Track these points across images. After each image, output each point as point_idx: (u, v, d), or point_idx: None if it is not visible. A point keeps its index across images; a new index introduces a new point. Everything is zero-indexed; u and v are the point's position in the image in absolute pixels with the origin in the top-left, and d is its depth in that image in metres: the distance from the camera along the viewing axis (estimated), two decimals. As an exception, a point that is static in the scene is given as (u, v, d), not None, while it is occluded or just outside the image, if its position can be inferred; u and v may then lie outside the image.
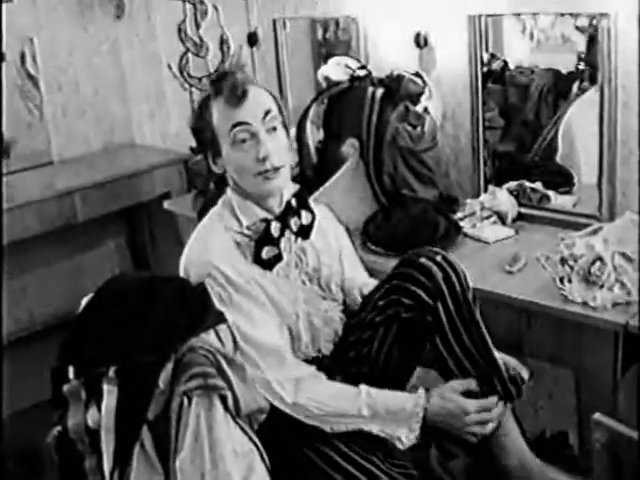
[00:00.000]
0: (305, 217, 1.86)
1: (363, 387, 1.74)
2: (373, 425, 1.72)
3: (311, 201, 1.93)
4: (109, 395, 1.55)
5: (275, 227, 1.79)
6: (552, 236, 2.35)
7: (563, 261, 2.08)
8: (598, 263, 2.00)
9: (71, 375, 1.60)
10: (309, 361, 1.84)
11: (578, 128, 2.44)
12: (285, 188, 1.83)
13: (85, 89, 3.80)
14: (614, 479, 1.57)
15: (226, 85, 1.72)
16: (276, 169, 1.74)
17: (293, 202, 1.84)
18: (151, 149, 3.94)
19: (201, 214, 2.95)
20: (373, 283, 2.00)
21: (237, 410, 1.54)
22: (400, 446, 1.71)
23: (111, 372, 1.56)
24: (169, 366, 1.53)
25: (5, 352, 2.69)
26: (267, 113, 1.74)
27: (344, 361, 1.85)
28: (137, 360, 1.55)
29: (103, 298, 1.70)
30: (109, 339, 1.61)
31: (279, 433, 1.70)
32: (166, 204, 3.32)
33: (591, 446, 1.67)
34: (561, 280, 2.04)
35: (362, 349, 1.84)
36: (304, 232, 1.87)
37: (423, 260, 1.80)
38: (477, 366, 1.77)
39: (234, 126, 1.72)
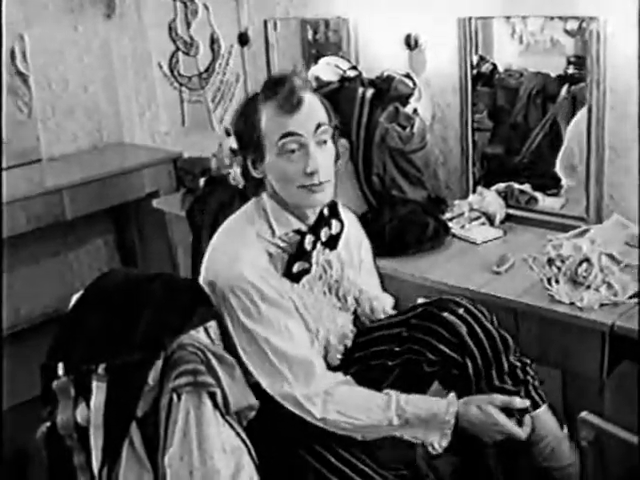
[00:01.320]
0: (335, 227, 1.79)
1: (392, 395, 1.69)
2: (405, 432, 1.69)
3: (340, 208, 1.84)
4: (98, 392, 1.54)
5: (309, 241, 1.73)
6: (540, 237, 2.38)
7: (550, 262, 2.09)
8: (585, 264, 2.02)
9: (60, 372, 1.59)
10: None
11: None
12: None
13: (75, 87, 3.77)
14: (601, 477, 1.58)
15: (282, 90, 1.62)
16: (321, 183, 1.66)
17: (326, 212, 1.76)
18: (140, 148, 3.92)
19: (190, 212, 2.98)
20: (385, 297, 2.00)
21: (226, 407, 1.53)
22: (432, 452, 1.68)
23: (100, 369, 1.55)
24: (158, 363, 1.52)
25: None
26: (319, 126, 1.65)
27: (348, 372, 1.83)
28: (126, 357, 1.54)
29: (92, 295, 1.69)
30: (98, 336, 1.60)
31: (271, 432, 1.69)
32: (155, 202, 3.31)
33: (578, 444, 1.69)
34: (548, 281, 2.05)
35: (369, 373, 1.82)
36: (332, 242, 1.80)
37: (446, 315, 1.78)
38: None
39: (285, 135, 1.62)
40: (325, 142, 1.67)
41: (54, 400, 1.58)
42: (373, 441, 1.72)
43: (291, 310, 1.71)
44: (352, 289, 1.90)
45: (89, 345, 1.60)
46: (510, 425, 1.67)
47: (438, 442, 1.67)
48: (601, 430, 1.51)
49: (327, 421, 1.67)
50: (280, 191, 1.70)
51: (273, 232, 1.73)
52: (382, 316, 1.96)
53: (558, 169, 2.57)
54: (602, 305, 1.95)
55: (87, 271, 3.87)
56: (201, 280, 1.75)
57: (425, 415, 1.67)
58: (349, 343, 1.89)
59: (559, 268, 2.06)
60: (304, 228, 1.74)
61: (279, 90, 1.62)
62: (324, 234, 1.77)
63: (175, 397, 1.50)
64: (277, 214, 1.73)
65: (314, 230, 1.75)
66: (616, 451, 1.55)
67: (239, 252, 1.68)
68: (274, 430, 1.70)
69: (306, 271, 1.74)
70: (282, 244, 1.73)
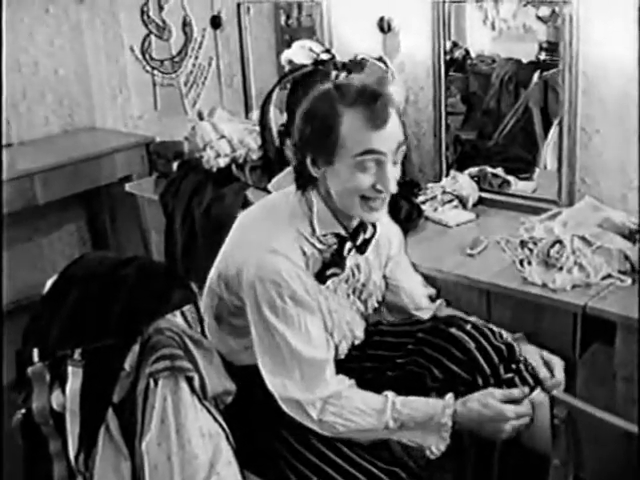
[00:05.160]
0: (369, 231, 1.73)
1: (389, 397, 1.64)
2: (402, 435, 1.64)
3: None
4: (74, 377, 1.50)
5: (348, 247, 1.68)
6: (512, 220, 2.38)
7: (523, 244, 2.09)
8: (557, 246, 2.02)
9: (35, 358, 1.55)
10: None
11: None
12: None
13: (46, 70, 3.70)
14: (573, 454, 1.58)
15: (375, 104, 1.52)
16: (384, 199, 1.61)
17: None
18: (112, 132, 3.86)
19: (163, 196, 2.94)
20: (419, 293, 1.98)
21: (204, 392, 1.50)
22: (430, 455, 1.64)
23: (76, 354, 1.51)
24: (135, 348, 1.49)
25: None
26: (400, 145, 1.56)
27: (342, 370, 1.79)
28: (102, 342, 1.51)
29: (67, 280, 1.65)
30: (74, 321, 1.56)
31: (248, 416, 1.67)
32: (127, 186, 3.26)
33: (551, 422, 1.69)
34: (521, 262, 2.06)
35: (365, 375, 1.79)
36: (363, 246, 1.74)
37: (453, 331, 1.76)
38: None
39: (367, 152, 1.53)
40: (397, 162, 1.60)
41: (29, 386, 1.55)
42: None
43: (315, 310, 1.66)
44: (377, 292, 1.87)
45: (64, 330, 1.56)
46: (520, 409, 1.62)
47: (436, 445, 1.62)
48: (573, 408, 1.51)
49: (323, 423, 1.63)
50: (338, 198, 1.62)
51: (313, 231, 1.66)
52: (415, 313, 1.95)
53: (548, 155, 2.58)
54: (574, 286, 1.95)
55: (59, 256, 3.82)
56: (222, 256, 1.70)
57: (421, 418, 1.62)
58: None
59: (531, 250, 2.06)
60: (344, 233, 1.68)
61: (371, 102, 1.52)
62: (360, 239, 1.72)
63: (152, 382, 1.47)
64: (323, 215, 1.66)
65: (353, 236, 1.70)
66: (588, 428, 1.55)
67: (277, 244, 1.61)
68: (251, 415, 1.68)
69: (336, 275, 1.70)
70: (319, 245, 1.67)
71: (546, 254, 2.02)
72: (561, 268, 1.99)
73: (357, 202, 1.59)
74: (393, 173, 1.58)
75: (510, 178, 2.58)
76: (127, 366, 1.49)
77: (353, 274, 1.77)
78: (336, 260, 1.68)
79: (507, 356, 1.76)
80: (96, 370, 1.50)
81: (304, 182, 1.66)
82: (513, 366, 1.76)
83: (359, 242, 1.72)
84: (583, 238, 2.03)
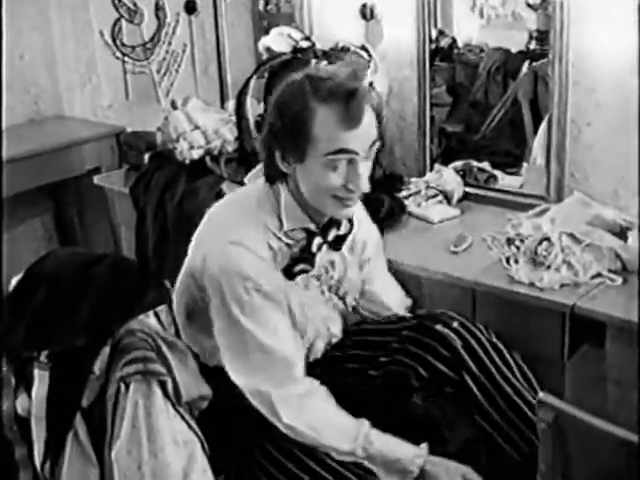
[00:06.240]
0: (344, 227, 1.74)
1: (365, 427, 1.65)
2: (367, 462, 1.66)
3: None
4: (40, 381, 1.50)
5: (317, 243, 1.68)
6: (499, 216, 2.39)
7: (510, 241, 2.10)
8: (545, 243, 2.03)
9: (-1, 360, 1.54)
10: None
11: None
12: None
13: (10, 55, 3.63)
14: (560, 459, 1.59)
15: (349, 104, 1.51)
16: (357, 198, 1.63)
17: None
18: (81, 121, 3.82)
19: (134, 190, 2.92)
20: (394, 296, 2.00)
21: (177, 397, 1.50)
22: None
23: (42, 356, 1.51)
24: (105, 350, 1.49)
25: None
26: (374, 143, 1.58)
27: (324, 370, 1.81)
28: (70, 343, 1.50)
29: (34, 277, 1.63)
30: (40, 321, 1.54)
31: (223, 424, 1.67)
32: (96, 179, 3.24)
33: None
34: (507, 260, 2.06)
35: (347, 377, 1.80)
36: (337, 243, 1.75)
37: (439, 328, 1.76)
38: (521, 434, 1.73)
39: (338, 151, 1.54)
40: (369, 157, 1.60)
41: (-8, 390, 1.54)
42: None
43: (282, 305, 1.67)
44: (353, 290, 1.87)
45: (30, 331, 1.55)
46: None
47: None
48: (560, 412, 1.51)
49: (293, 429, 1.64)
50: (309, 196, 1.63)
51: (281, 225, 1.67)
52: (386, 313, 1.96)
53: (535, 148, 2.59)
54: (562, 286, 1.96)
55: (24, 253, 3.76)
56: (191, 247, 1.70)
57: (390, 457, 1.64)
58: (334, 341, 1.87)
59: (518, 248, 2.07)
60: (313, 228, 1.69)
61: (345, 100, 1.52)
62: (331, 235, 1.73)
63: (123, 386, 1.47)
64: (290, 210, 1.67)
65: (323, 231, 1.70)
66: (575, 434, 1.56)
67: (242, 237, 1.62)
68: (227, 420, 1.67)
69: (305, 272, 1.70)
70: (286, 239, 1.67)
71: (533, 252, 2.03)
72: (549, 266, 1.99)
73: (328, 201, 1.61)
74: (365, 171, 1.59)
75: (497, 173, 2.58)
76: (97, 369, 1.49)
77: (326, 271, 1.78)
78: (305, 256, 1.68)
79: (496, 355, 1.76)
80: (64, 373, 1.49)
81: (273, 176, 1.67)
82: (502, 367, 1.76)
83: (331, 238, 1.72)
84: (572, 235, 2.04)
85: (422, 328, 1.80)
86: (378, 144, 1.60)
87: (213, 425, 1.62)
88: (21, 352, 1.54)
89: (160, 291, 1.62)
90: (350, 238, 1.78)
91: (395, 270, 2.12)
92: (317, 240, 1.69)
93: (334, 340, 1.86)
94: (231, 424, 1.69)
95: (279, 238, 1.67)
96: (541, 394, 1.62)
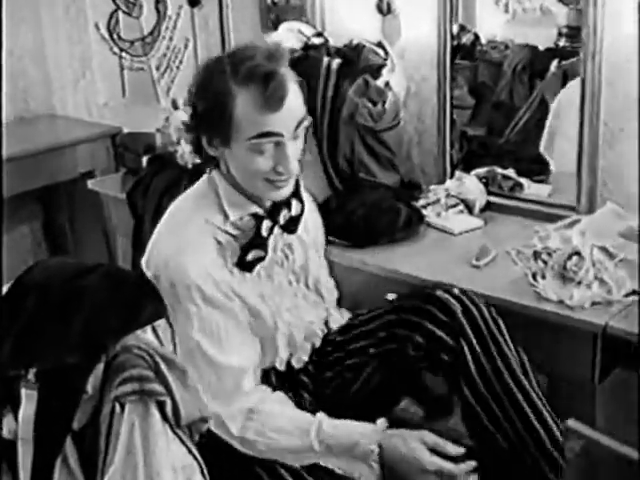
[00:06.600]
0: (295, 207, 1.79)
1: (317, 418, 1.70)
2: (329, 461, 1.69)
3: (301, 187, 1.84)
4: (28, 401, 1.50)
5: (266, 226, 1.72)
6: (524, 228, 2.38)
7: (536, 255, 2.09)
8: (575, 258, 2.03)
9: (-16, 378, 1.55)
10: (279, 375, 1.82)
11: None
12: None
13: (-3, 49, 3.69)
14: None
15: (267, 86, 1.56)
16: (289, 178, 1.67)
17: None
18: (74, 121, 3.87)
19: (131, 195, 2.94)
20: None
21: (177, 419, 1.50)
22: None
23: (30, 374, 1.51)
24: (99, 368, 1.49)
25: None
26: (300, 123, 1.63)
27: (319, 382, 1.85)
28: (61, 361, 1.50)
29: (21, 289, 1.64)
30: (28, 337, 1.55)
31: (224, 447, 1.69)
32: (90, 183, 3.27)
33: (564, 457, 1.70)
34: (534, 276, 2.06)
35: (344, 374, 1.83)
36: (292, 225, 1.80)
37: (439, 293, 1.79)
38: (513, 426, 1.74)
39: (262, 135, 1.60)
40: (298, 136, 1.66)
41: (-23, 411, 1.55)
42: None
43: (234, 312, 1.71)
44: (322, 274, 1.92)
45: (17, 347, 1.55)
46: (438, 462, 1.65)
47: (366, 476, 1.66)
48: (590, 440, 1.51)
49: (244, 441, 1.68)
50: (240, 180, 1.69)
51: (226, 217, 1.71)
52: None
53: (543, 149, 2.59)
54: (594, 303, 1.96)
55: (10, 263, 3.77)
56: (144, 269, 1.74)
57: (347, 443, 1.66)
58: (317, 342, 1.89)
59: (546, 262, 2.07)
60: (261, 212, 1.73)
61: (264, 82, 1.57)
62: (283, 217, 1.76)
63: (118, 407, 1.47)
64: (231, 197, 1.72)
65: (272, 214, 1.74)
66: (607, 465, 1.56)
67: (183, 243, 1.68)
68: (227, 445, 1.69)
69: (261, 259, 1.73)
70: (234, 231, 1.72)
71: (562, 267, 2.03)
72: (579, 283, 1.99)
73: (260, 184, 1.67)
74: (295, 151, 1.65)
75: (523, 180, 2.58)
76: (89, 388, 1.49)
77: (286, 256, 1.82)
78: (255, 242, 1.72)
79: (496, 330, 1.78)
80: (53, 393, 1.49)
81: (205, 161, 1.74)
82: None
83: (283, 221, 1.77)
84: (604, 249, 2.04)
85: (420, 294, 1.85)
86: (307, 121, 1.65)
87: (213, 449, 1.64)
88: (7, 370, 1.54)
89: (158, 304, 1.62)
90: (303, 219, 1.83)
91: (412, 285, 2.13)
92: (266, 223, 1.73)
93: (317, 331, 1.88)
94: (230, 448, 1.70)
95: (226, 231, 1.72)
96: (569, 421, 1.62)
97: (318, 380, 1.85)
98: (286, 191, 1.70)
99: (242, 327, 1.73)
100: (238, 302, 1.72)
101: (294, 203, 1.78)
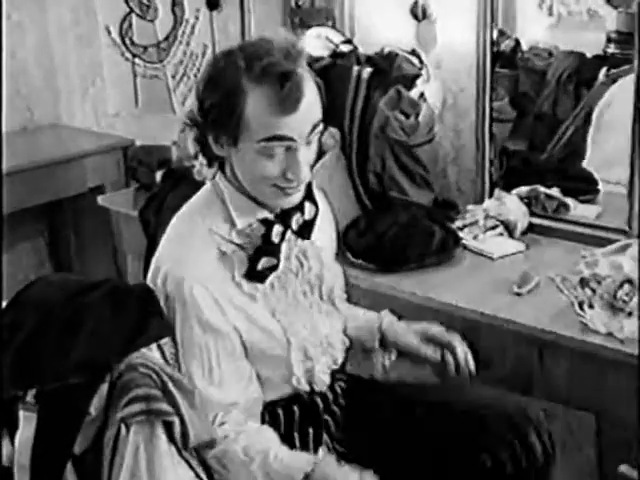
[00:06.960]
0: (309, 211, 1.79)
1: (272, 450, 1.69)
2: None
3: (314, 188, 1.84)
4: (26, 424, 1.51)
5: (277, 232, 1.72)
6: (570, 253, 2.39)
7: (583, 283, 2.09)
8: (626, 286, 2.02)
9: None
10: (300, 399, 1.83)
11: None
12: None
13: (1, 54, 3.74)
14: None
15: (283, 87, 1.56)
16: (298, 185, 1.68)
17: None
18: (82, 132, 3.90)
19: (143, 213, 2.95)
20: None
21: (184, 441, 1.51)
22: None
23: (29, 396, 1.52)
24: (103, 388, 1.50)
25: None
26: (315, 127, 1.63)
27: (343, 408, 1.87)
28: (62, 381, 1.51)
29: (21, 307, 1.66)
30: (28, 356, 1.56)
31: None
32: (100, 199, 3.29)
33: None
34: (580, 305, 2.06)
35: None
36: (306, 230, 1.80)
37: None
38: None
39: (273, 138, 1.59)
40: (312, 141, 1.67)
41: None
42: None
43: (229, 339, 1.70)
44: (337, 283, 1.91)
45: (16, 367, 1.56)
46: None
47: None
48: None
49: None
50: (246, 184, 1.70)
51: (232, 225, 1.72)
52: None
53: (587, 164, 2.58)
54: (646, 336, 1.95)
55: (11, 281, 3.81)
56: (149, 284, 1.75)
57: (284, 474, 1.66)
58: (339, 357, 1.88)
59: (594, 290, 2.06)
60: (271, 217, 1.74)
61: (279, 83, 1.57)
62: (295, 221, 1.76)
63: (123, 429, 1.48)
64: (238, 202, 1.73)
65: (283, 218, 1.74)
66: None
67: (183, 256, 1.70)
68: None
69: (273, 268, 1.73)
70: (241, 240, 1.72)
71: (612, 296, 2.02)
72: (630, 313, 1.99)
73: (267, 190, 1.67)
74: (307, 157, 1.65)
75: (568, 200, 2.59)
76: (93, 410, 1.50)
77: (301, 264, 1.81)
78: (266, 249, 1.72)
79: None
80: (54, 415, 1.51)
81: (210, 161, 1.75)
82: None
83: (296, 226, 1.76)
84: (659, 277, 2.04)
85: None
86: (321, 126, 1.65)
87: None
88: (6, 391, 1.55)
89: (164, 321, 1.64)
90: (317, 223, 1.83)
91: (447, 314, 2.13)
92: (277, 228, 1.72)
93: (334, 343, 1.88)
94: None
95: (231, 241, 1.72)
96: (622, 466, 1.61)
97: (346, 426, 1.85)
98: (296, 198, 1.71)
99: (236, 356, 1.73)
100: (239, 322, 1.71)
101: (307, 206, 1.78)
